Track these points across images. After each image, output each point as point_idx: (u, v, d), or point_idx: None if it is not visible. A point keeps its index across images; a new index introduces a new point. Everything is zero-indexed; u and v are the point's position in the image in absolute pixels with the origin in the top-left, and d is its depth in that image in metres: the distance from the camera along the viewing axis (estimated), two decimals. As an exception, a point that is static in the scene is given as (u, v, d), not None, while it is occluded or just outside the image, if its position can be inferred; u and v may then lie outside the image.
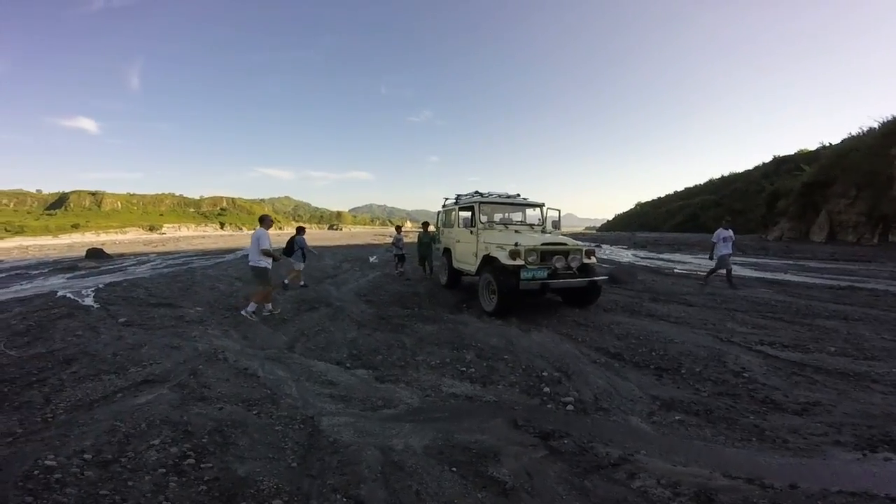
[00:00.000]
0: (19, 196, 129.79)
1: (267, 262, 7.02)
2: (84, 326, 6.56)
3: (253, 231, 7.08)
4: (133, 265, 18.54)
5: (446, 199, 10.57)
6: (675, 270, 14.44)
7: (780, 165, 73.69)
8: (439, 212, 10.89)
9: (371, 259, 18.70)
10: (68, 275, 14.99)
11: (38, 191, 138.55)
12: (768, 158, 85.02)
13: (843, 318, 6.86)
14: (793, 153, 75.47)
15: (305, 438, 3.12)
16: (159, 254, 26.52)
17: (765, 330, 6.17)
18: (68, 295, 9.92)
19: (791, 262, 17.60)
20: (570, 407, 3.65)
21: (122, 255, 25.27)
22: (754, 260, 18.66)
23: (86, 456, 2.79)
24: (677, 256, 21.18)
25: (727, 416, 3.48)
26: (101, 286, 11.27)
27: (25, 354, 5.12)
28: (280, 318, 7.17)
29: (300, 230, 10.57)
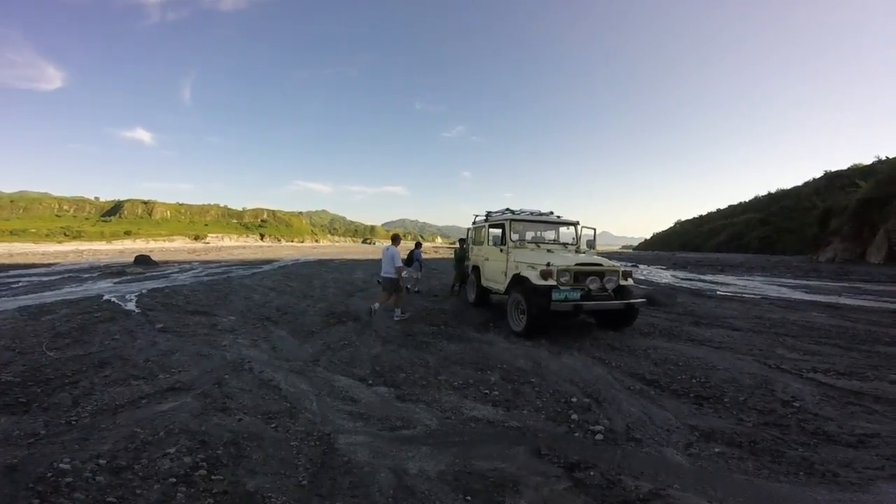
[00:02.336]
0: (79, 203, 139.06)
1: (397, 274, 8.10)
2: (122, 331, 6.78)
3: (387, 248, 8.33)
4: (176, 272, 19.29)
5: (476, 216, 10.44)
6: (719, 293, 13.75)
7: (833, 181, 70.12)
8: (469, 229, 10.77)
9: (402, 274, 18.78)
10: (116, 279, 15.71)
11: (96, 198, 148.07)
12: (819, 174, 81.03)
13: (907, 343, 6.43)
14: (846, 168, 71.70)
15: (319, 456, 3.03)
16: (201, 262, 27.56)
17: (818, 356, 5.79)
18: (113, 299, 10.35)
19: (846, 284, 16.53)
20: (599, 436, 3.42)
21: (167, 263, 26.39)
22: (806, 282, 17.65)
23: (100, 461, 2.81)
24: (720, 278, 20.23)
25: (773, 448, 3.23)
26: (144, 292, 11.74)
27: (63, 356, 5.30)
28: (406, 320, 8.09)
29: (418, 245, 12.75)
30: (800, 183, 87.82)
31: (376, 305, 8.10)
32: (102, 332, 6.70)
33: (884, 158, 46.05)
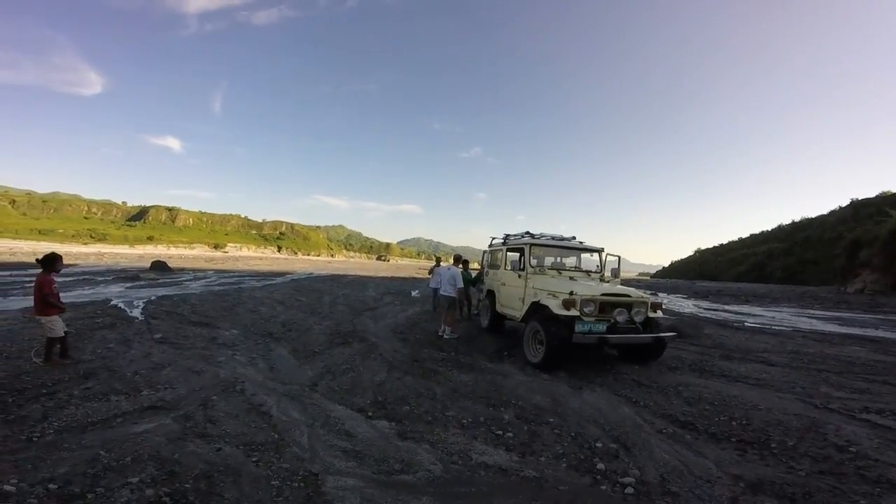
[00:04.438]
0: (107, 206, 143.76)
1: (456, 293, 8.34)
2: (119, 339, 6.53)
3: (448, 267, 8.73)
4: (189, 280, 19.30)
5: (493, 238, 9.98)
6: (747, 324, 12.99)
7: (860, 210, 68.21)
8: (485, 251, 10.30)
9: (413, 293, 18.33)
10: (128, 284, 15.78)
11: (123, 203, 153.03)
12: (845, 202, 78.80)
13: (961, 381, 5.97)
14: (873, 196, 69.73)
15: (302, 501, 2.61)
16: (216, 271, 27.65)
17: (868, 395, 5.28)
18: (119, 304, 10.22)
19: (881, 316, 15.65)
20: (629, 489, 2.94)
21: (182, 270, 26.57)
22: (837, 314, 16.76)
23: (51, 486, 2.51)
24: (746, 308, 19.34)
25: (831, 500, 2.84)
26: (152, 298, 11.63)
27: (49, 363, 5.03)
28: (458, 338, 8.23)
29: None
30: (825, 212, 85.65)
31: (448, 330, 8.36)
32: (99, 339, 6.47)
33: (915, 187, 44.60)
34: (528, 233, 8.54)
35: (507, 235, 9.30)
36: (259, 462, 3.03)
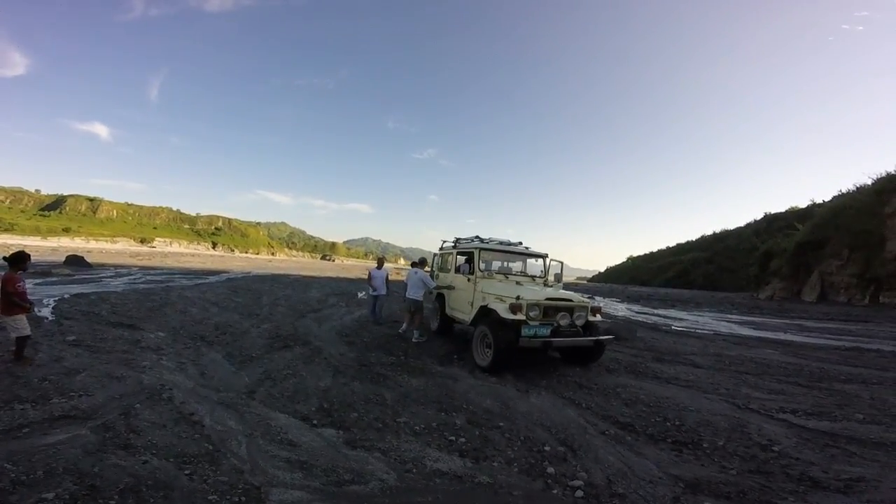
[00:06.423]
0: (17, 194, 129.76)
1: (422, 296, 8.49)
2: (25, 342, 5.83)
3: (415, 271, 8.60)
4: (110, 277, 17.80)
5: (444, 241, 10.01)
6: (674, 328, 13.85)
7: (772, 223, 74.20)
8: (436, 254, 10.32)
9: (360, 295, 17.96)
10: (38, 280, 14.29)
11: (36, 190, 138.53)
12: (759, 215, 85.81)
13: (862, 381, 6.57)
14: (784, 210, 76.35)
15: (245, 518, 2.42)
16: (141, 268, 25.70)
17: (783, 395, 5.70)
18: (26, 304, 9.15)
19: (787, 321, 17.22)
20: (579, 492, 2.99)
21: (102, 265, 24.49)
22: (751, 319, 18.27)
23: None
24: (672, 312, 20.67)
25: (763, 498, 3.00)
26: (65, 296, 10.60)
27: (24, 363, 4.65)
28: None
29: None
30: (742, 224, 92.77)
31: (404, 327, 8.65)
32: (-1, 341, 5.75)
33: (820, 202, 49.46)
34: (477, 237, 8.63)
35: (458, 239, 9.35)
36: (193, 475, 2.80)
